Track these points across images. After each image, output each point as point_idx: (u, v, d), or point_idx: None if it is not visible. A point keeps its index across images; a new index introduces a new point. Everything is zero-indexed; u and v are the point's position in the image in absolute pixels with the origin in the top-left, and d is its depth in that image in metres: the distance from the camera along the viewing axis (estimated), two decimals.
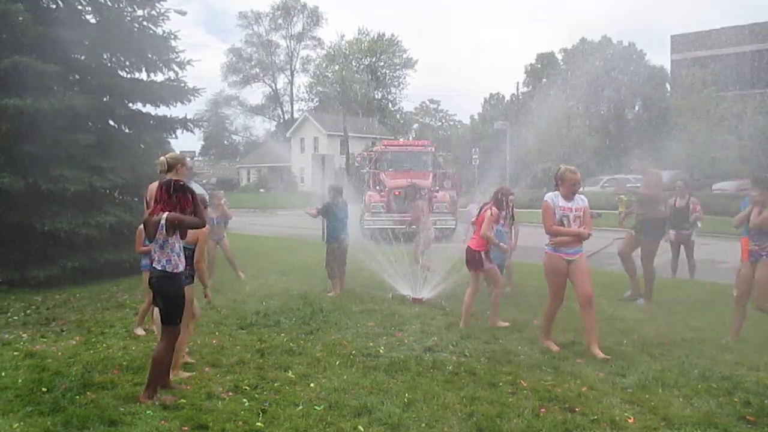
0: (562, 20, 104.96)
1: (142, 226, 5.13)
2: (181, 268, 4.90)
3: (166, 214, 4.75)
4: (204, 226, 5.13)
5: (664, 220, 8.83)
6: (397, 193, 18.25)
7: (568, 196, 6.27)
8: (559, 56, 55.93)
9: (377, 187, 19.47)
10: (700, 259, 11.37)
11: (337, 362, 5.74)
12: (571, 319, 7.35)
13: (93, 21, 11.53)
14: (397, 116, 74.38)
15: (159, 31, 11.93)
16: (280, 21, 74.15)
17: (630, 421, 4.43)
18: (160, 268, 4.81)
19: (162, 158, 5.58)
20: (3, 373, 5.41)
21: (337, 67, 68.65)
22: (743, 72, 36.45)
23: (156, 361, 4.82)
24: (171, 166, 5.49)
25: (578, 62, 46.57)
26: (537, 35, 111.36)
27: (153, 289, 4.98)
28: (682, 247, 10.85)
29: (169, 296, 4.86)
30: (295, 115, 72.56)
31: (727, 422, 4.42)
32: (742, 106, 34.35)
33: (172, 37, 12.03)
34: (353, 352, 6.08)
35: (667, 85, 45.32)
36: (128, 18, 11.75)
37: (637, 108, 46.18)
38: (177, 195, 4.80)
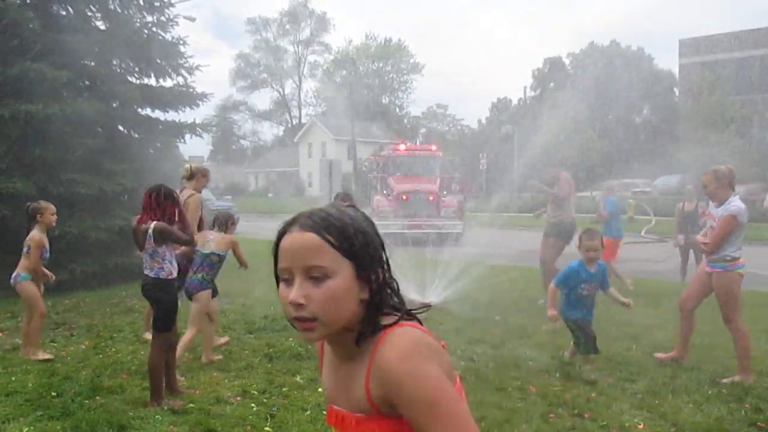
0: (570, 24, 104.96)
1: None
2: (175, 274, 4.88)
3: (154, 224, 4.71)
4: (192, 245, 5.08)
5: (574, 224, 8.77)
6: (404, 197, 18.26)
7: (716, 202, 5.59)
8: (567, 60, 55.93)
9: (385, 192, 19.49)
10: None
11: None
12: None
13: (102, 27, 11.62)
14: (405, 121, 74.46)
15: (168, 36, 12.02)
16: (287, 27, 74.56)
17: (640, 426, 4.40)
18: (153, 276, 4.79)
19: (187, 165, 6.10)
20: (13, 378, 5.44)
21: (344, 72, 68.87)
22: (752, 76, 36.31)
23: (152, 368, 4.81)
24: (193, 175, 6.16)
25: (586, 66, 46.53)
26: (545, 39, 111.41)
27: (146, 297, 4.95)
28: (691, 251, 10.78)
29: (162, 303, 4.84)
30: (303, 120, 72.83)
31: (738, 428, 4.39)
32: (750, 110, 34.21)
33: (181, 42, 12.11)
34: None
35: (675, 90, 45.21)
36: (137, 24, 11.84)
37: (645, 112, 46.06)
38: (165, 203, 4.77)
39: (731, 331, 5.53)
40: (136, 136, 12.19)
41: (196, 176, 6.18)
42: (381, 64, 72.18)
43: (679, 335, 6.05)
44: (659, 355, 6.11)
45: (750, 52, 36.49)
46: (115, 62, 11.95)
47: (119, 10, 11.75)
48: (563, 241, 8.76)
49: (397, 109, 74.85)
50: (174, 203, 4.81)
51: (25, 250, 6.10)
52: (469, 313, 8.06)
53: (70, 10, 11.16)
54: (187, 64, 12.26)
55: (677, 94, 44.56)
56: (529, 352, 6.31)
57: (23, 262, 6.10)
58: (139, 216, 4.86)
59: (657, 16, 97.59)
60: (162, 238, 4.71)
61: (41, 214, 6.19)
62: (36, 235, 6.11)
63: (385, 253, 1.42)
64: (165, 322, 4.85)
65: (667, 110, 41.41)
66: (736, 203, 5.48)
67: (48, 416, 4.53)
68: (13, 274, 6.15)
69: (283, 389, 5.14)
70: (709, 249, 5.47)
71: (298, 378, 5.44)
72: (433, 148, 22.52)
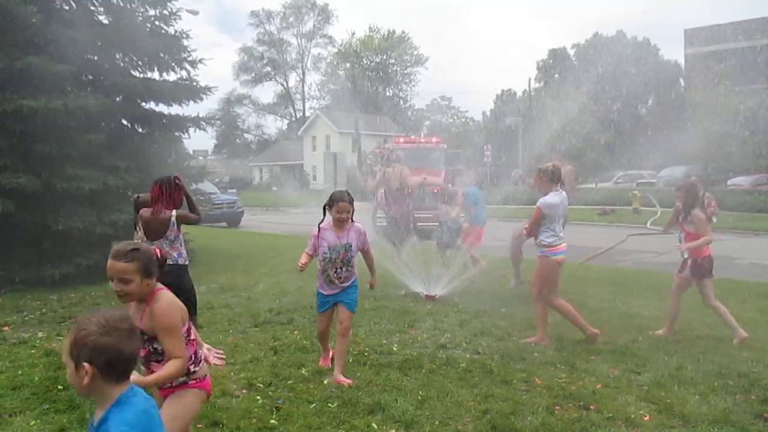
0: (575, 16, 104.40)
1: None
2: (188, 260, 5.18)
3: (175, 212, 4.88)
4: (200, 221, 5.31)
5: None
6: (409, 190, 18.21)
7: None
8: (572, 52, 55.63)
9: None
10: (715, 255, 11.21)
11: (351, 360, 5.74)
12: (586, 316, 7.32)
13: (105, 21, 11.59)
14: (409, 113, 74.32)
15: (171, 30, 11.97)
16: (291, 19, 74.47)
17: (645, 418, 4.39)
18: (172, 262, 4.91)
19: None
20: (20, 372, 5.46)
21: (348, 65, 68.76)
22: (758, 66, 36.06)
23: None
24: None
25: (591, 57, 46.31)
26: (549, 31, 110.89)
27: (169, 286, 4.97)
28: None
29: (189, 288, 4.99)
30: (307, 114, 72.81)
31: (744, 420, 4.37)
32: (757, 101, 33.98)
33: (184, 36, 12.07)
34: (366, 349, 6.08)
35: (681, 80, 44.96)
36: (140, 18, 11.81)
37: (650, 103, 45.83)
38: (176, 192, 5.01)
39: (551, 305, 6.42)
40: (140, 130, 12.19)
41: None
42: (384, 57, 71.95)
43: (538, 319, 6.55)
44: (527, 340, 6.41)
45: (756, 41, 36.25)
46: (118, 56, 11.93)
47: (122, 4, 11.72)
48: None
49: (401, 102, 74.69)
50: (180, 191, 4.98)
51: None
52: (475, 306, 8.06)
53: (73, 4, 11.14)
54: (190, 58, 12.23)
55: (683, 84, 44.32)
56: (534, 345, 6.30)
57: None
58: (151, 208, 4.97)
59: (662, 6, 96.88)
60: (183, 222, 5.02)
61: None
62: None
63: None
64: (196, 304, 5.09)
65: (673, 101, 41.20)
66: (545, 198, 6.25)
67: (54, 409, 4.55)
68: None
69: (289, 382, 5.15)
70: (526, 234, 6.64)
71: (303, 371, 5.44)
72: (438, 140, 22.47)
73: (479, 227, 9.94)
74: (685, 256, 6.64)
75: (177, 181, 4.96)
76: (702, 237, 6.50)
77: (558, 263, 6.37)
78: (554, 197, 6.26)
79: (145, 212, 5.02)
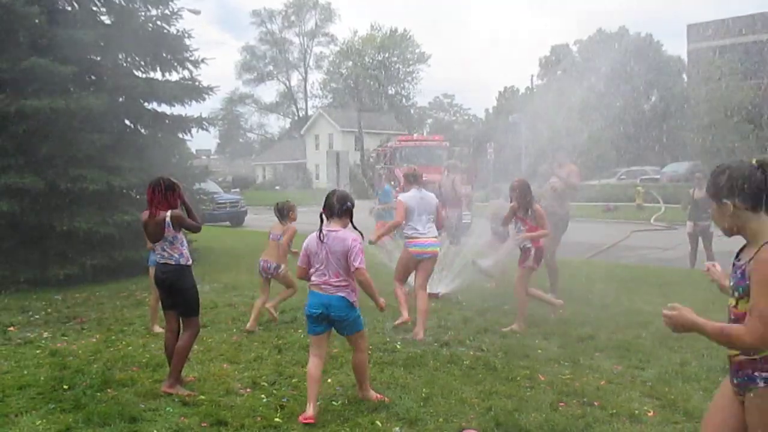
0: (577, 12, 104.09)
1: None
2: (190, 260, 5.08)
3: (169, 212, 4.88)
4: (199, 230, 5.23)
5: (568, 216, 8.77)
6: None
7: None
8: (574, 48, 55.46)
9: (392, 183, 19.46)
10: (719, 250, 11.18)
11: None
12: (589, 313, 7.33)
13: (108, 22, 11.61)
14: (411, 111, 74.21)
15: (173, 30, 11.97)
16: (293, 18, 74.35)
17: (649, 414, 4.39)
18: (174, 263, 4.92)
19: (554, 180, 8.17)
20: (25, 371, 5.49)
21: (350, 64, 68.73)
22: (761, 60, 35.92)
23: (182, 350, 4.93)
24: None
25: (594, 53, 46.15)
26: (552, 27, 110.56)
27: (169, 285, 5.01)
28: (700, 238, 10.70)
29: (189, 288, 4.99)
30: (310, 112, 72.75)
31: None
32: (761, 96, 33.87)
33: (186, 35, 12.07)
34: (370, 347, 6.08)
35: (684, 76, 44.80)
36: (142, 18, 11.82)
37: (653, 99, 45.68)
38: (167, 194, 4.93)
39: (394, 285, 6.91)
40: (143, 130, 12.20)
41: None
42: (387, 55, 71.85)
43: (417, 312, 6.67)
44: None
45: (760, 36, 36.10)
46: (120, 56, 11.94)
47: (124, 4, 11.73)
48: (559, 233, 8.70)
49: (404, 100, 74.58)
50: (175, 193, 4.93)
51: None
52: (478, 304, 8.06)
53: (76, 5, 11.16)
54: (192, 58, 12.23)
55: (686, 80, 44.17)
56: (537, 342, 6.31)
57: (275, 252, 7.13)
58: (148, 210, 4.95)
59: (665, 2, 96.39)
60: (179, 224, 4.93)
61: (292, 211, 7.19)
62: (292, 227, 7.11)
63: None
64: (197, 304, 5.05)
65: (676, 97, 41.06)
66: (401, 195, 7.07)
67: (60, 409, 4.57)
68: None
69: (293, 380, 5.17)
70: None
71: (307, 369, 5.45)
72: (440, 138, 22.48)
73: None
74: (528, 245, 6.93)
75: (169, 185, 4.94)
76: (541, 229, 6.91)
77: (412, 255, 6.76)
78: (411, 194, 6.88)
79: (144, 215, 5.03)
